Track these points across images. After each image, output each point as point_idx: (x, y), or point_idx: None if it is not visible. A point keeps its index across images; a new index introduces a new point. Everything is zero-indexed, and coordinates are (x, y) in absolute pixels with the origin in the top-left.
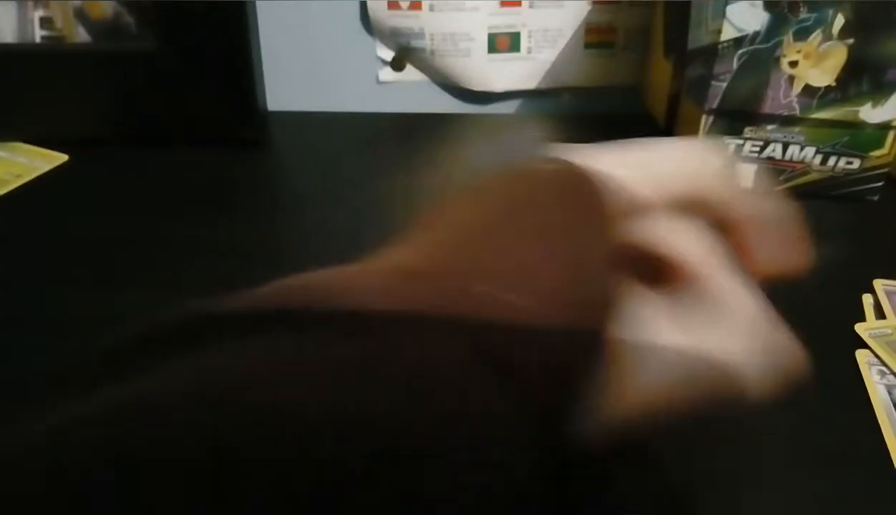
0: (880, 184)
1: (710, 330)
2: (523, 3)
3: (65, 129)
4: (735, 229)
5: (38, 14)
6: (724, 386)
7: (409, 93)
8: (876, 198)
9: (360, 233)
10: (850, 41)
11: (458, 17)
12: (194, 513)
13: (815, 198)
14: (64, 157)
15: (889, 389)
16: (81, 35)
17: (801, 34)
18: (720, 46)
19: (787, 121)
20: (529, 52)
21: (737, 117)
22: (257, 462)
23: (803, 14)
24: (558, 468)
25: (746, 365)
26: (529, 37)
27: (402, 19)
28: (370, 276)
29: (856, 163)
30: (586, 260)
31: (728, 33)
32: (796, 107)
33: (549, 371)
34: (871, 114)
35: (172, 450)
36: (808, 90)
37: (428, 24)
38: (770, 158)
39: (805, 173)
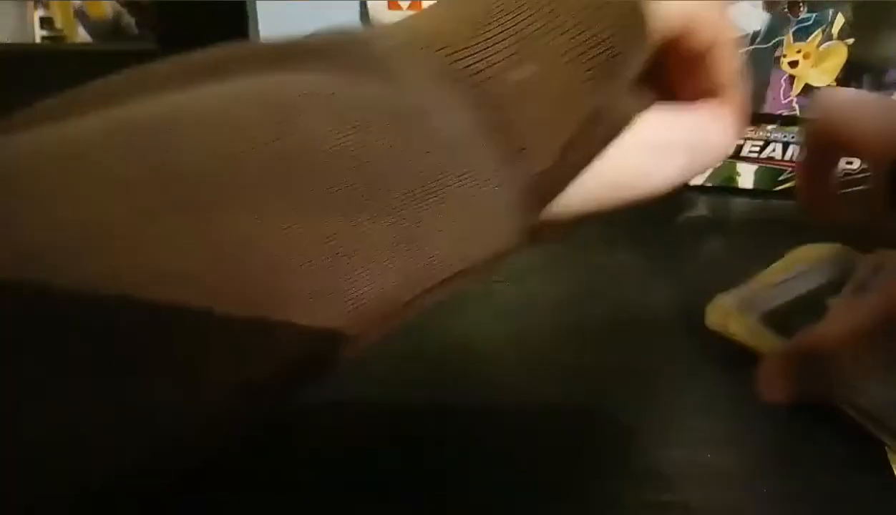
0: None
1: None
2: None
3: None
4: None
5: (38, 14)
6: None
7: None
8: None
9: None
10: (850, 41)
11: None
12: None
13: None
14: None
15: None
16: (81, 35)
17: (801, 34)
18: None
19: (787, 121)
20: None
21: None
22: None
23: (803, 14)
24: None
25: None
26: None
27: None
28: None
29: (856, 163)
30: None
31: None
32: (796, 107)
33: None
34: None
35: None
36: (808, 90)
37: None
38: (770, 158)
39: None
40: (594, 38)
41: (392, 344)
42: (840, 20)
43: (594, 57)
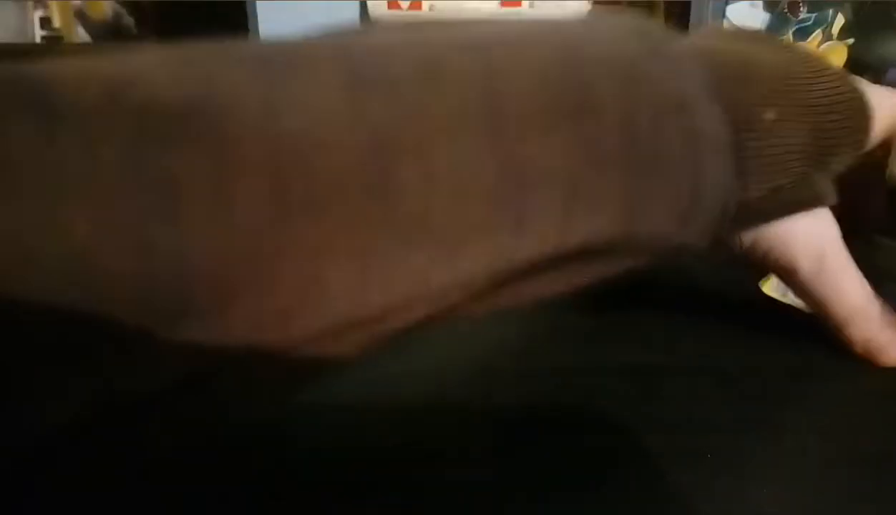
0: None
1: None
2: (523, 3)
3: None
4: None
5: (38, 14)
6: None
7: None
8: None
9: None
10: (850, 41)
11: (457, 17)
12: None
13: None
14: None
15: None
16: (81, 35)
17: (801, 34)
18: None
19: None
20: None
21: None
22: None
23: (803, 14)
24: None
25: None
26: None
27: (402, 19)
28: None
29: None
30: None
31: None
32: None
33: None
34: None
35: None
36: None
37: None
38: None
39: None
40: (828, 124)
41: (391, 345)
42: (840, 20)
43: (821, 139)
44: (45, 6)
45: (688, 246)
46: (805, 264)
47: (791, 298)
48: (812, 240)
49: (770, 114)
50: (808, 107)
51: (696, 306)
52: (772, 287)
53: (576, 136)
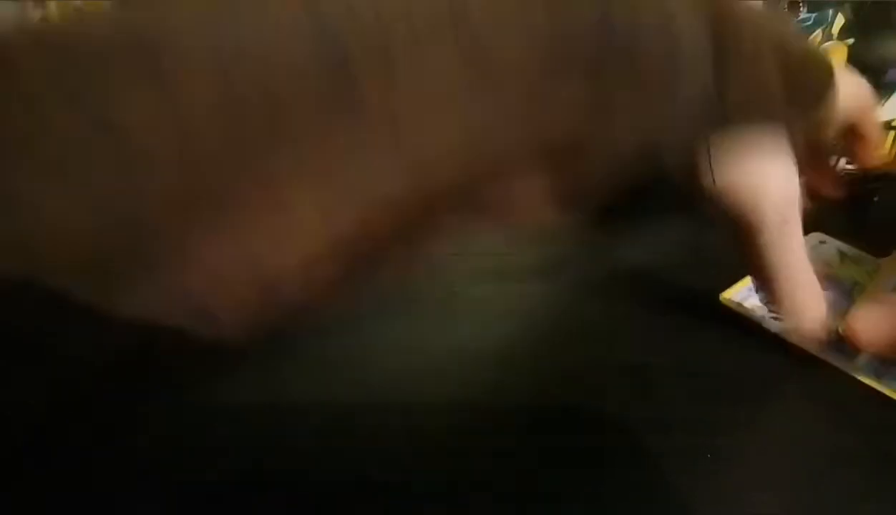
0: (880, 184)
1: None
2: None
3: None
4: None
5: (38, 14)
6: None
7: None
8: (876, 198)
9: None
10: (850, 41)
11: None
12: None
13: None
14: None
15: None
16: None
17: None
18: None
19: None
20: None
21: None
22: None
23: (803, 14)
24: None
25: None
26: None
27: None
28: None
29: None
30: None
31: None
32: None
33: None
34: None
35: None
36: None
37: None
38: None
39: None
40: (799, 75)
41: (393, 342)
42: (840, 20)
43: (792, 88)
44: (45, 6)
45: (666, 158)
46: (770, 219)
47: (750, 303)
48: (781, 199)
49: (749, 46)
50: (782, 52)
51: (696, 307)
52: (733, 293)
53: (548, 36)
